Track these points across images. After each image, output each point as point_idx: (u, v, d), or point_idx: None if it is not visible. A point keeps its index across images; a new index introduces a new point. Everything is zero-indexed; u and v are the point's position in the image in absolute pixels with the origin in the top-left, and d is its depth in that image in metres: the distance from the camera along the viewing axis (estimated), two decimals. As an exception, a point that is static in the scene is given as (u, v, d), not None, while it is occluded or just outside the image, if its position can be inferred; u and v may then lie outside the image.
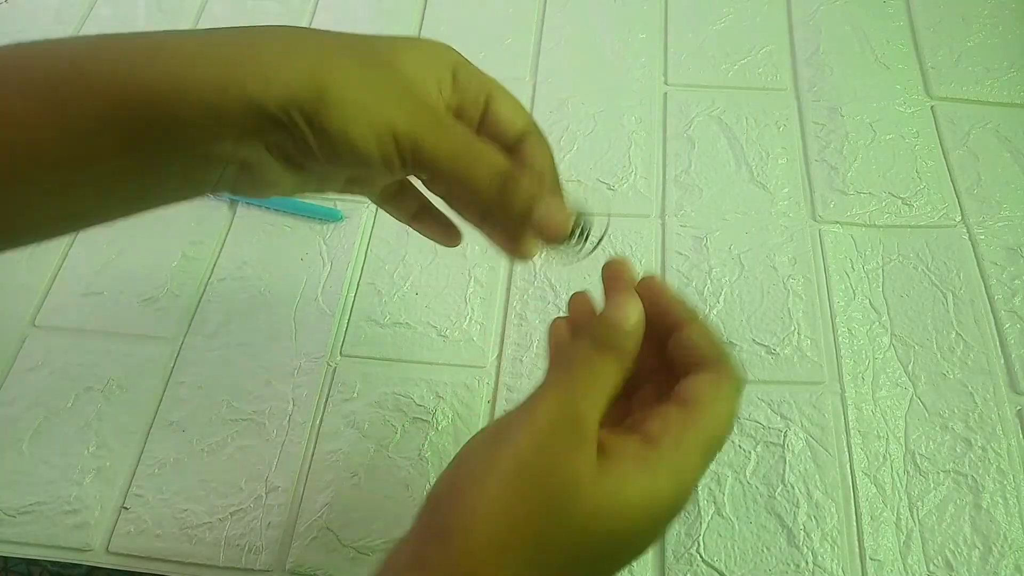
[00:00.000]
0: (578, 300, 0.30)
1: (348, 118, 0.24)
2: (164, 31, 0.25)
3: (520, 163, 0.29)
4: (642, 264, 0.46)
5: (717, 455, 0.26)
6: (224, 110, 0.23)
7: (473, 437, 0.25)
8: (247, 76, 0.23)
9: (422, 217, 0.34)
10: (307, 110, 0.24)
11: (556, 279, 0.46)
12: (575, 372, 0.25)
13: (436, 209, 0.34)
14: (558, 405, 0.24)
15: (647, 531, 0.24)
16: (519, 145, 0.29)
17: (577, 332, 0.28)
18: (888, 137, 0.51)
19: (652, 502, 0.23)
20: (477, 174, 0.27)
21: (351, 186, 0.31)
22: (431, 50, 0.28)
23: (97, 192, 0.25)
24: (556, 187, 0.30)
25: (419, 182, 0.33)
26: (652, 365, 0.28)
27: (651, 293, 0.28)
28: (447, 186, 0.29)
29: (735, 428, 0.40)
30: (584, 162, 0.51)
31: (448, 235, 0.34)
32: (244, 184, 0.26)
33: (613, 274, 0.28)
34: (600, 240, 0.30)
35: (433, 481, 0.39)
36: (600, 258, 0.47)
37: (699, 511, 0.38)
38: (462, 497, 0.23)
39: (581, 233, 0.29)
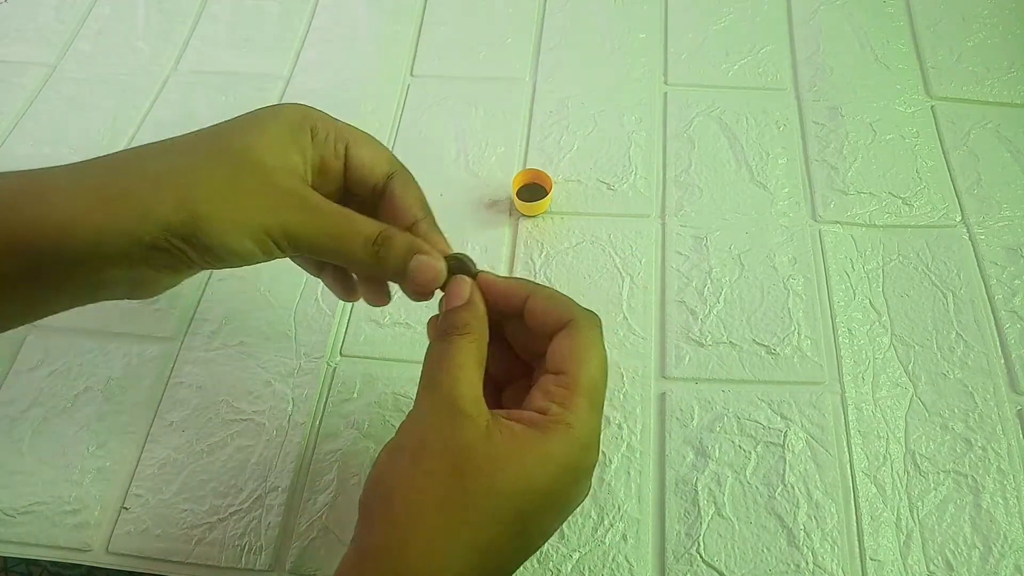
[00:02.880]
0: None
1: (223, 231, 0.27)
2: (40, 169, 0.28)
3: (389, 204, 0.31)
4: (642, 264, 0.46)
5: (605, 402, 0.29)
6: (107, 246, 0.26)
7: (381, 450, 0.28)
8: (120, 215, 0.26)
9: (327, 270, 0.36)
10: (183, 233, 0.26)
11: (556, 279, 0.46)
12: (437, 364, 0.28)
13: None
14: (434, 395, 0.27)
15: (556, 488, 0.27)
16: (386, 185, 0.31)
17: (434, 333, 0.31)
18: (888, 137, 0.51)
19: (551, 458, 0.26)
20: (351, 246, 0.29)
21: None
22: (284, 121, 0.29)
23: None
24: (432, 219, 0.32)
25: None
26: (537, 348, 0.31)
27: (486, 285, 0.31)
28: (326, 259, 0.31)
29: (735, 428, 0.40)
30: (584, 162, 0.51)
31: (348, 291, 0.36)
32: (136, 293, 0.29)
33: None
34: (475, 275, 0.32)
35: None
36: (598, 259, 0.47)
37: (699, 511, 0.38)
38: (380, 489, 0.26)
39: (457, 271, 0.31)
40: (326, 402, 0.42)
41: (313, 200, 0.28)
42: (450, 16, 0.61)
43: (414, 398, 0.28)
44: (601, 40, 0.58)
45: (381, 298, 0.35)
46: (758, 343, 0.43)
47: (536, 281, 0.31)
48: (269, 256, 0.28)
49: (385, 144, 0.34)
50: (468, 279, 0.30)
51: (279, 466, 0.40)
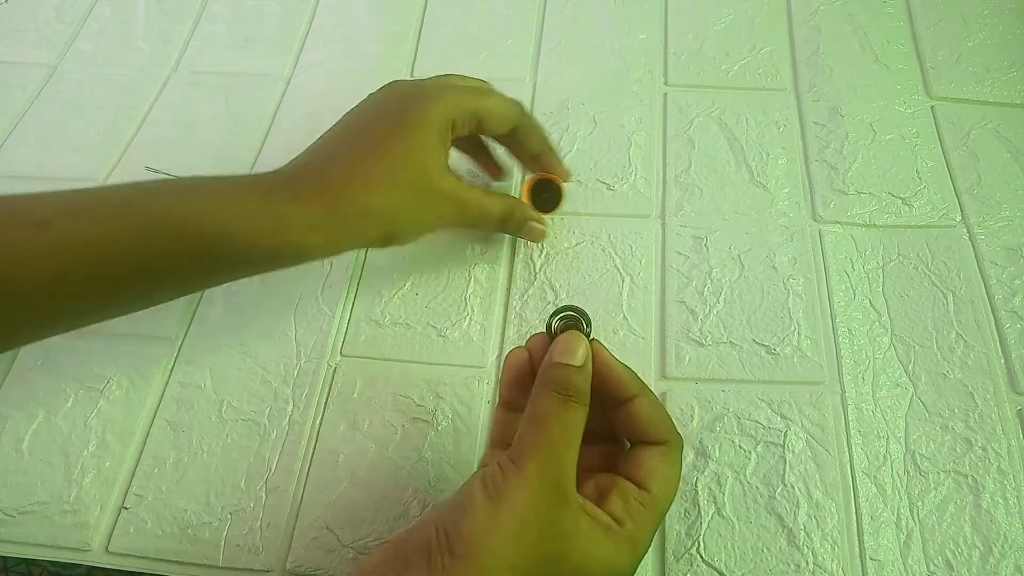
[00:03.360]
0: (536, 339, 0.33)
1: (406, 238, 0.38)
2: (272, 189, 0.35)
3: (516, 145, 0.43)
4: (642, 264, 0.46)
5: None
6: (324, 253, 0.37)
7: (471, 490, 0.27)
8: (343, 239, 0.36)
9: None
10: (381, 244, 0.38)
11: (556, 279, 0.46)
12: (551, 431, 0.28)
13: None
14: (545, 467, 0.27)
15: None
16: (513, 132, 0.42)
17: (540, 379, 0.30)
18: (888, 137, 0.51)
19: (616, 568, 0.28)
20: (486, 225, 0.43)
21: None
22: (433, 129, 0.37)
23: (136, 302, 0.35)
24: (552, 153, 0.45)
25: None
26: (602, 432, 0.33)
27: (600, 362, 0.31)
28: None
29: (735, 428, 0.40)
30: (584, 162, 0.51)
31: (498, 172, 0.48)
32: None
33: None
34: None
35: (432, 482, 0.39)
36: (598, 259, 0.47)
37: (699, 511, 0.38)
38: (472, 545, 0.25)
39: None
40: (326, 402, 0.42)
41: (463, 198, 0.39)
42: (450, 16, 0.61)
43: (515, 443, 0.28)
44: (601, 40, 0.58)
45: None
46: (758, 343, 0.43)
47: (640, 379, 0.32)
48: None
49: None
50: (584, 338, 0.31)
51: (279, 466, 0.40)
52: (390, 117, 0.37)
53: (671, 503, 0.31)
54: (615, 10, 0.60)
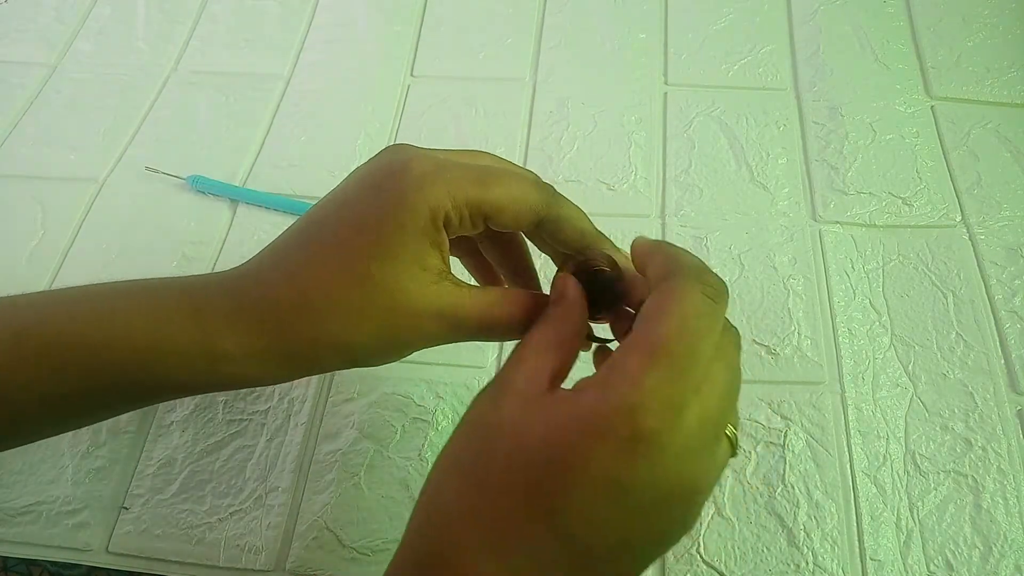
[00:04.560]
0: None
1: (383, 362, 0.29)
2: (204, 299, 0.27)
3: (546, 244, 0.30)
4: (642, 264, 0.46)
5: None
6: (242, 385, 0.30)
7: None
8: (294, 369, 0.28)
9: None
10: (312, 361, 0.28)
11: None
12: (518, 346, 0.27)
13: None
14: (498, 376, 0.26)
15: (590, 450, 0.21)
16: (536, 230, 0.29)
17: None
18: (888, 137, 0.51)
19: (571, 416, 0.22)
20: (501, 324, 0.28)
21: None
22: (413, 230, 0.26)
23: (52, 429, 0.30)
24: (598, 240, 0.30)
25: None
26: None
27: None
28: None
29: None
30: (584, 162, 0.51)
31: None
32: None
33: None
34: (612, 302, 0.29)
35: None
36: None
37: (699, 511, 0.38)
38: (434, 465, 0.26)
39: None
40: (326, 402, 0.42)
41: (457, 314, 0.27)
42: (450, 16, 0.61)
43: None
44: (601, 40, 0.58)
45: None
46: (758, 343, 0.43)
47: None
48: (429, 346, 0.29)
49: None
50: (565, 277, 0.28)
51: (279, 466, 0.40)
52: (360, 208, 0.27)
53: (689, 338, 0.22)
54: (615, 10, 0.60)
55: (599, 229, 0.30)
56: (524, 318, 0.28)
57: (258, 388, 0.43)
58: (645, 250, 0.28)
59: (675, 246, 0.28)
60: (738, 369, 0.25)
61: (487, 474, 0.23)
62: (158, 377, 0.26)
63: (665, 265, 0.26)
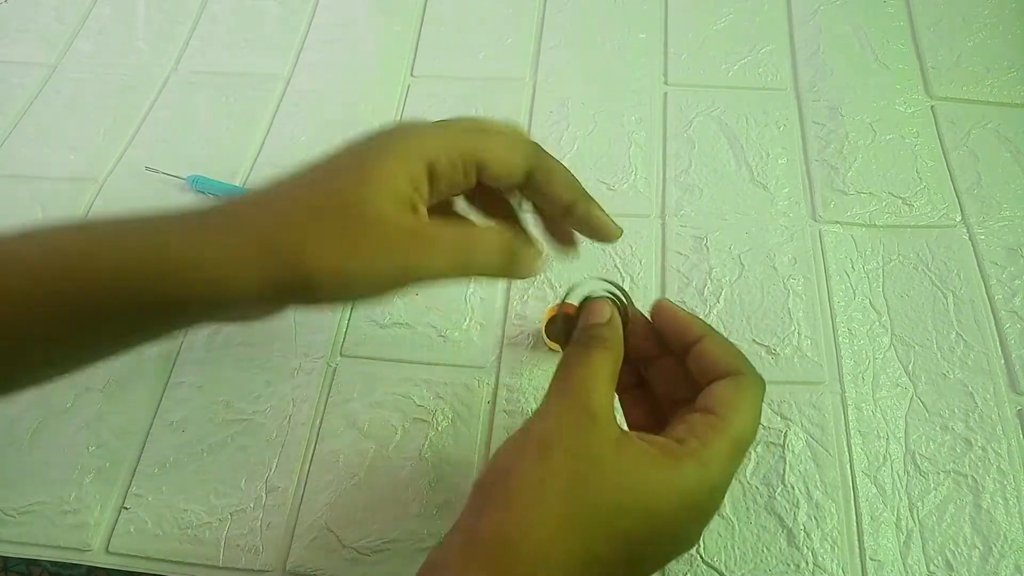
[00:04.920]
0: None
1: (339, 289, 0.26)
2: (160, 216, 0.27)
3: (536, 196, 0.30)
4: (642, 264, 0.46)
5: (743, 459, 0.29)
6: (224, 302, 0.26)
7: (505, 441, 0.27)
8: (241, 279, 0.26)
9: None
10: (302, 294, 0.26)
11: (556, 279, 0.46)
12: (573, 368, 0.28)
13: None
14: (566, 396, 0.27)
15: (674, 520, 0.26)
16: (527, 182, 0.30)
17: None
18: (888, 137, 0.51)
19: (676, 487, 0.25)
20: (479, 261, 0.28)
21: None
22: (393, 171, 0.27)
23: (91, 353, 0.28)
24: (586, 200, 0.31)
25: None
26: (683, 395, 0.31)
27: (664, 312, 0.31)
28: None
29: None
30: (584, 162, 0.51)
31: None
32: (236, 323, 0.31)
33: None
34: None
35: (432, 482, 0.39)
36: (598, 259, 0.47)
37: (699, 511, 0.38)
38: (498, 480, 0.25)
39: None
40: (326, 402, 0.42)
41: (430, 234, 0.27)
42: (450, 16, 0.61)
43: (544, 398, 0.28)
44: (601, 40, 0.58)
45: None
46: (758, 343, 0.43)
47: (709, 325, 0.31)
48: (397, 294, 0.28)
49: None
50: (608, 301, 0.31)
51: (279, 466, 0.40)
52: (354, 151, 0.28)
53: (751, 433, 0.27)
54: (615, 10, 0.60)
55: (600, 207, 0.32)
56: (502, 245, 0.29)
57: (258, 388, 0.43)
58: (695, 327, 0.30)
59: (720, 334, 0.31)
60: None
61: (588, 510, 0.25)
62: (155, 288, 0.25)
63: (734, 358, 0.29)
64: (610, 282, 0.32)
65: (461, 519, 0.26)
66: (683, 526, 0.26)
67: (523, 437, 0.26)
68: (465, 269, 0.28)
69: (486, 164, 0.28)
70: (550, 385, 0.28)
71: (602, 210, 0.31)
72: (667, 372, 0.31)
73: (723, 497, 0.28)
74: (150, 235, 0.26)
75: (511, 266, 0.29)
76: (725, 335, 0.43)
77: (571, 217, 0.31)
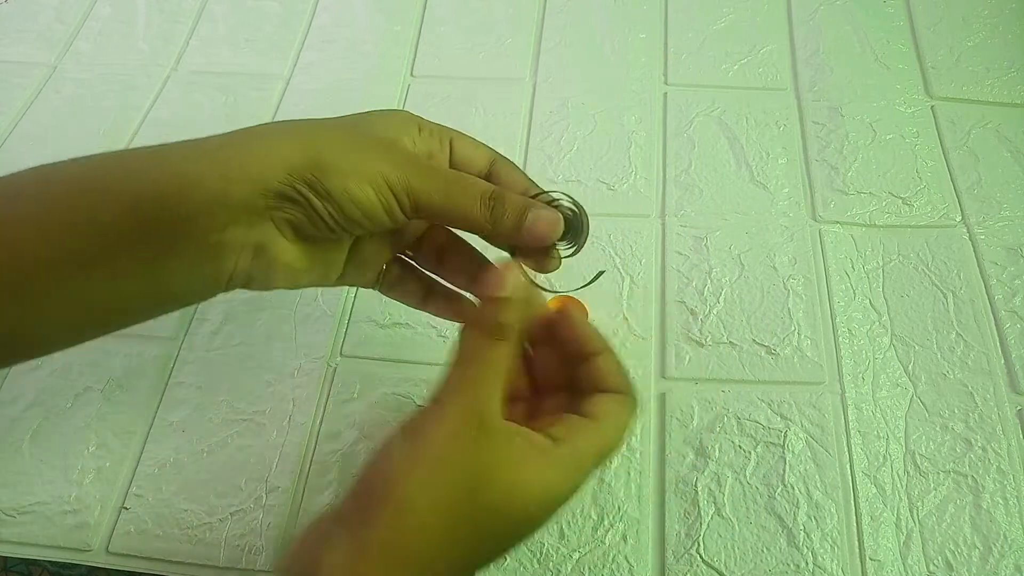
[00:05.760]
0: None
1: (346, 177, 0.27)
2: (166, 144, 0.27)
3: (499, 185, 0.32)
4: (642, 264, 0.46)
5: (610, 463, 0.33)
6: (231, 196, 0.26)
7: (391, 435, 0.27)
8: (247, 162, 0.26)
9: (431, 298, 0.37)
10: (308, 179, 0.27)
11: (556, 279, 0.46)
12: (470, 368, 0.28)
13: (442, 287, 0.36)
14: (463, 402, 0.27)
15: (540, 517, 0.28)
16: (491, 171, 0.33)
17: (469, 317, 0.30)
18: (888, 137, 0.51)
19: (547, 491, 0.27)
20: (468, 202, 0.29)
21: (351, 271, 0.33)
22: (397, 115, 0.31)
23: (114, 291, 0.26)
24: (536, 186, 0.33)
25: (414, 263, 0.36)
26: (561, 383, 0.32)
27: (569, 321, 0.32)
28: (445, 220, 0.31)
29: (735, 428, 0.40)
30: (584, 162, 0.51)
31: (459, 311, 0.36)
32: (258, 271, 0.28)
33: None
34: (585, 234, 0.31)
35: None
36: (598, 259, 0.47)
37: (699, 511, 0.38)
38: (390, 487, 0.25)
39: (576, 232, 0.31)
40: (326, 402, 0.42)
41: (430, 163, 0.30)
42: (450, 16, 0.61)
43: (439, 385, 0.28)
44: (601, 40, 0.58)
45: (462, 314, 0.36)
46: (758, 343, 0.43)
47: (606, 341, 0.32)
48: (390, 215, 0.28)
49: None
50: (516, 267, 0.29)
51: (279, 466, 0.40)
52: (351, 116, 0.31)
53: (618, 445, 0.30)
54: (615, 10, 0.60)
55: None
56: (488, 187, 0.30)
57: (258, 388, 0.43)
58: (594, 343, 0.32)
59: (615, 353, 0.32)
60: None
61: (474, 523, 0.26)
62: (160, 199, 0.25)
63: (623, 378, 0.31)
64: (574, 204, 0.31)
65: (345, 515, 0.26)
66: (542, 520, 0.28)
67: (416, 443, 0.26)
68: (457, 203, 0.29)
69: (458, 146, 0.32)
70: (448, 375, 0.28)
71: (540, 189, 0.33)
72: (550, 359, 0.33)
73: (578, 492, 0.29)
74: (154, 155, 0.27)
75: (496, 211, 0.29)
76: (725, 335, 0.43)
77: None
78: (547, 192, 0.31)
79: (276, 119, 0.55)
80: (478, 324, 0.29)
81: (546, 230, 0.30)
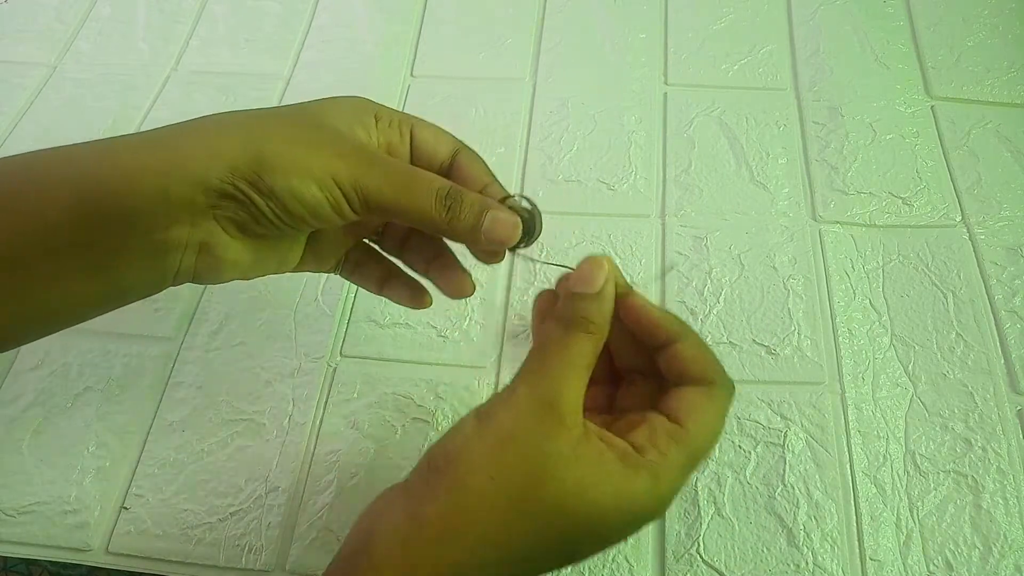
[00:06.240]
0: (562, 282, 0.30)
1: (290, 174, 0.26)
2: (113, 137, 0.27)
3: (457, 176, 0.31)
4: (642, 264, 0.46)
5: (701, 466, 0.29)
6: (172, 193, 0.25)
7: (463, 417, 0.27)
8: (187, 159, 0.25)
9: (390, 283, 0.35)
10: (249, 176, 0.26)
11: (556, 279, 0.46)
12: (549, 355, 0.26)
13: (403, 273, 0.35)
14: (536, 388, 0.26)
15: (616, 527, 0.26)
16: (453, 162, 0.31)
17: (551, 312, 0.29)
18: (888, 137, 0.51)
19: (626, 499, 0.25)
20: (422, 199, 0.28)
21: (309, 259, 0.32)
22: (351, 103, 0.30)
23: (60, 291, 0.26)
24: (497, 184, 0.32)
25: (377, 247, 0.35)
26: (641, 367, 0.30)
27: (635, 311, 0.29)
28: (398, 218, 0.29)
29: (734, 428, 0.40)
30: (584, 162, 0.51)
31: (416, 297, 0.35)
32: (204, 268, 0.28)
33: (586, 261, 0.28)
34: (538, 235, 0.31)
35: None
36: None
37: (699, 511, 0.38)
38: (452, 464, 0.25)
39: (529, 233, 0.30)
40: (326, 402, 0.42)
41: (382, 157, 0.28)
42: (450, 16, 0.61)
43: (515, 375, 0.27)
44: (601, 40, 0.58)
45: (420, 300, 0.35)
46: (758, 343, 0.43)
47: (684, 322, 0.29)
48: (339, 213, 0.27)
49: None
50: (605, 265, 0.28)
51: (279, 466, 0.40)
52: (306, 102, 0.30)
53: (710, 447, 0.27)
54: (615, 10, 0.60)
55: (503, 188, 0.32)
56: (444, 185, 0.28)
57: (258, 388, 0.43)
58: (669, 328, 0.28)
59: (696, 334, 0.29)
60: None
61: (535, 515, 0.24)
62: (116, 211, 0.25)
63: (709, 365, 0.28)
64: (529, 201, 0.30)
65: (408, 488, 0.26)
66: (620, 532, 0.26)
67: (484, 423, 0.26)
68: (409, 201, 0.28)
69: (419, 134, 0.31)
70: (524, 363, 0.27)
71: (505, 190, 0.32)
72: (628, 341, 0.30)
73: (666, 508, 0.27)
74: (101, 149, 0.26)
75: (452, 210, 0.28)
76: (725, 335, 0.43)
77: (485, 195, 0.31)
78: (506, 194, 0.31)
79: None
80: (559, 315, 0.27)
81: (504, 234, 0.29)
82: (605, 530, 0.25)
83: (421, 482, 0.26)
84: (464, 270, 0.34)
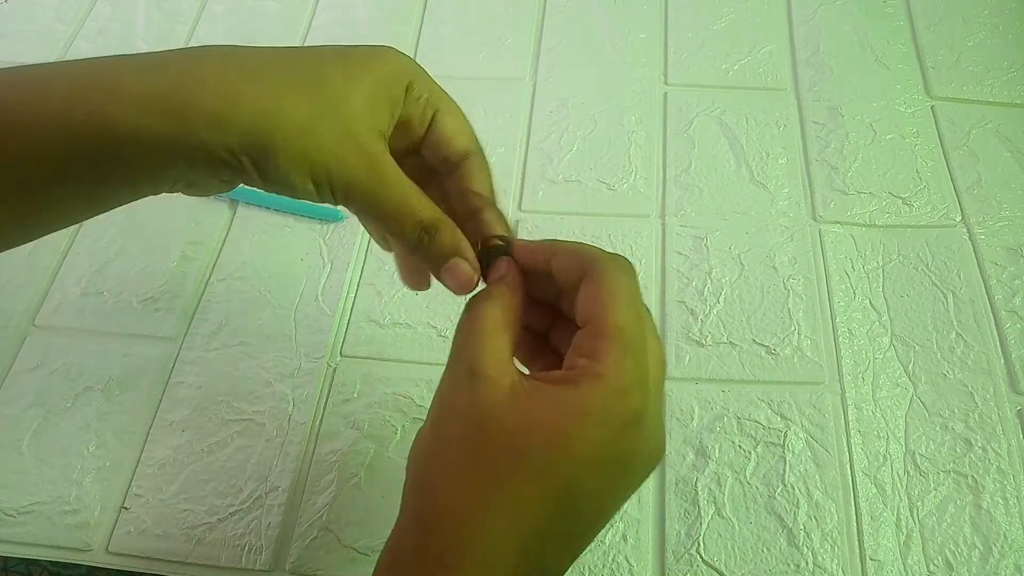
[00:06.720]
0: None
1: (290, 164, 0.26)
2: (116, 58, 0.26)
3: (459, 183, 0.30)
4: (642, 264, 0.46)
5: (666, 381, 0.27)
6: (176, 150, 0.25)
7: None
8: (198, 125, 0.25)
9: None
10: (255, 157, 0.26)
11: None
12: (460, 333, 0.27)
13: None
14: (454, 363, 0.26)
15: (600, 438, 0.24)
16: (460, 165, 0.30)
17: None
18: (888, 137, 0.51)
19: (578, 411, 0.24)
20: (402, 224, 0.28)
21: None
22: (390, 69, 0.28)
23: (51, 208, 0.27)
24: (495, 209, 0.31)
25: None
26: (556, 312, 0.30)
27: (519, 250, 0.29)
28: (373, 223, 0.30)
29: (735, 428, 0.40)
30: (584, 162, 0.51)
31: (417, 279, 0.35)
32: (189, 191, 0.28)
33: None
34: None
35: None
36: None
37: (699, 511, 0.38)
38: (411, 460, 0.26)
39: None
40: (326, 402, 0.42)
41: (385, 167, 0.28)
42: (450, 16, 0.61)
43: (426, 394, 0.28)
44: (601, 40, 0.58)
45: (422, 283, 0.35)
46: (758, 343, 0.43)
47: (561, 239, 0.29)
48: (320, 200, 0.28)
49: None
50: (505, 260, 0.29)
51: (279, 466, 0.40)
52: (341, 49, 0.28)
53: (637, 323, 0.25)
54: (615, 10, 0.60)
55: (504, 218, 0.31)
56: (432, 220, 0.28)
57: (258, 388, 0.43)
58: (542, 250, 0.29)
59: (568, 242, 0.29)
60: (656, 332, 0.28)
61: (495, 466, 0.24)
62: (116, 148, 0.25)
63: (583, 254, 0.28)
64: (502, 243, 0.30)
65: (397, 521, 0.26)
66: (610, 445, 0.24)
67: (432, 411, 0.26)
68: (391, 219, 0.28)
69: (440, 120, 0.30)
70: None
71: (507, 225, 0.31)
72: (546, 283, 0.29)
73: (643, 394, 0.25)
74: (107, 90, 0.25)
75: (423, 245, 0.28)
76: (725, 335, 0.43)
77: (479, 218, 0.30)
78: (496, 236, 0.30)
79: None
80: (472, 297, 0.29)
81: (455, 284, 0.29)
82: (586, 450, 0.24)
83: (404, 503, 0.26)
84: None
